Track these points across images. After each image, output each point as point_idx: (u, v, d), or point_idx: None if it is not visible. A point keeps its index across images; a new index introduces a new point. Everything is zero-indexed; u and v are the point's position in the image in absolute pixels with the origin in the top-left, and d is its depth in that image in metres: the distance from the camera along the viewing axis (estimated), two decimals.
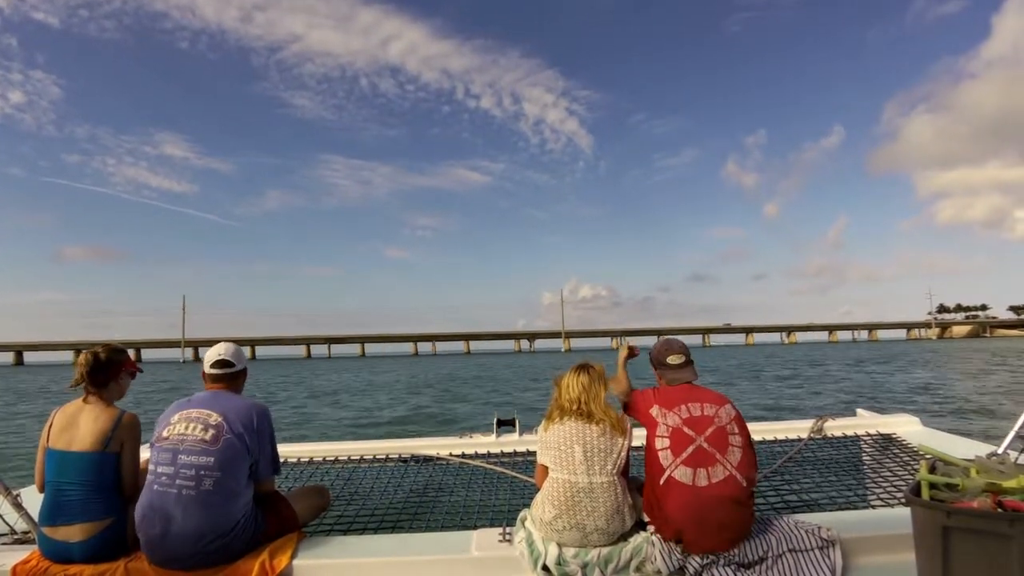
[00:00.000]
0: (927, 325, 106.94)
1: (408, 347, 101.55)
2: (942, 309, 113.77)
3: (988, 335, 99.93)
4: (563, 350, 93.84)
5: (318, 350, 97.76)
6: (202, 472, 1.69)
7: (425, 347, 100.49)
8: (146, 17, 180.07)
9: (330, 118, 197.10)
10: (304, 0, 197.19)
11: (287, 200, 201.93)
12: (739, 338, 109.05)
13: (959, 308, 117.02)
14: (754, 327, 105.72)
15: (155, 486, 1.71)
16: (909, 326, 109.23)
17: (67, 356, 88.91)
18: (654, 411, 1.81)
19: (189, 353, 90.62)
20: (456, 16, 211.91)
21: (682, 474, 1.68)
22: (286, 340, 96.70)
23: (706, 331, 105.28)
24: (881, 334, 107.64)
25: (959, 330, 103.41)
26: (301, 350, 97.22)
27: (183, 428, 1.76)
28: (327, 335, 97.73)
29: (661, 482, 1.70)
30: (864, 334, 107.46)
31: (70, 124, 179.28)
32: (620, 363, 2.14)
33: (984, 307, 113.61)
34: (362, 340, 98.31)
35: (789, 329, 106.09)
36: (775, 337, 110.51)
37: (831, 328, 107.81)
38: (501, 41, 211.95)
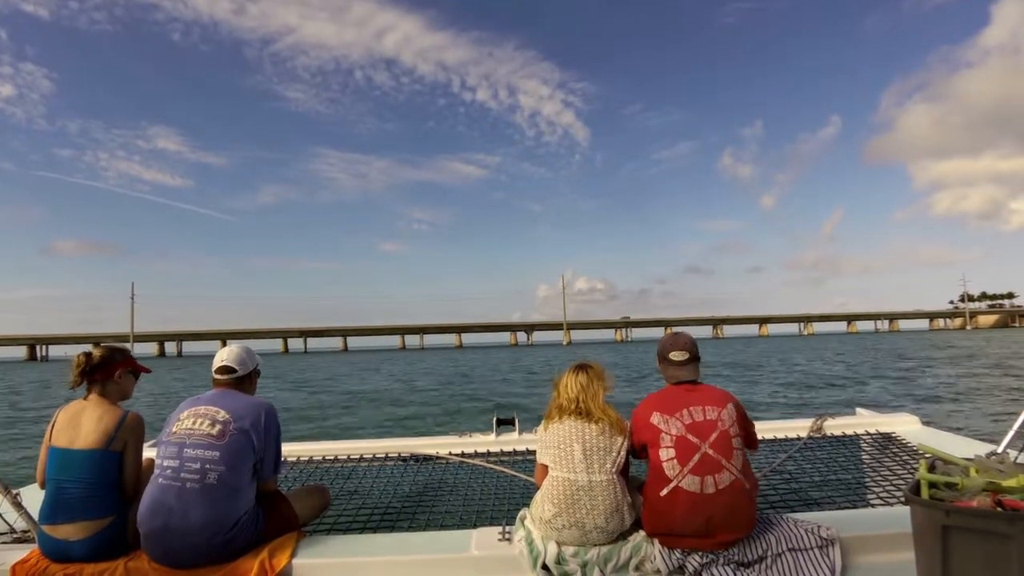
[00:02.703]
0: (957, 314, 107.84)
1: (395, 340, 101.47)
2: (966, 298, 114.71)
3: (1018, 324, 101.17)
4: (564, 343, 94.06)
5: (297, 344, 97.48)
6: (207, 466, 1.79)
7: (414, 340, 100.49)
8: (137, 8, 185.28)
9: (325, 111, 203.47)
10: None
11: (282, 194, 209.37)
12: (752, 329, 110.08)
13: (984, 296, 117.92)
14: (771, 317, 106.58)
15: (160, 479, 1.81)
16: (933, 315, 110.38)
17: (20, 352, 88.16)
18: (655, 419, 1.85)
19: (151, 348, 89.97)
20: (451, 8, 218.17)
21: (690, 483, 1.74)
22: (257, 333, 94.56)
23: (718, 321, 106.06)
24: (902, 324, 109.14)
25: (985, 320, 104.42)
26: (279, 344, 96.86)
27: (191, 423, 1.87)
28: (302, 327, 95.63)
29: (666, 492, 1.76)
30: (884, 324, 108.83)
31: (61, 118, 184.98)
32: None
33: (1011, 295, 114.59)
34: (343, 333, 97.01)
35: (807, 319, 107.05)
36: (790, 328, 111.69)
37: (850, 318, 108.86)
38: (496, 33, 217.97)
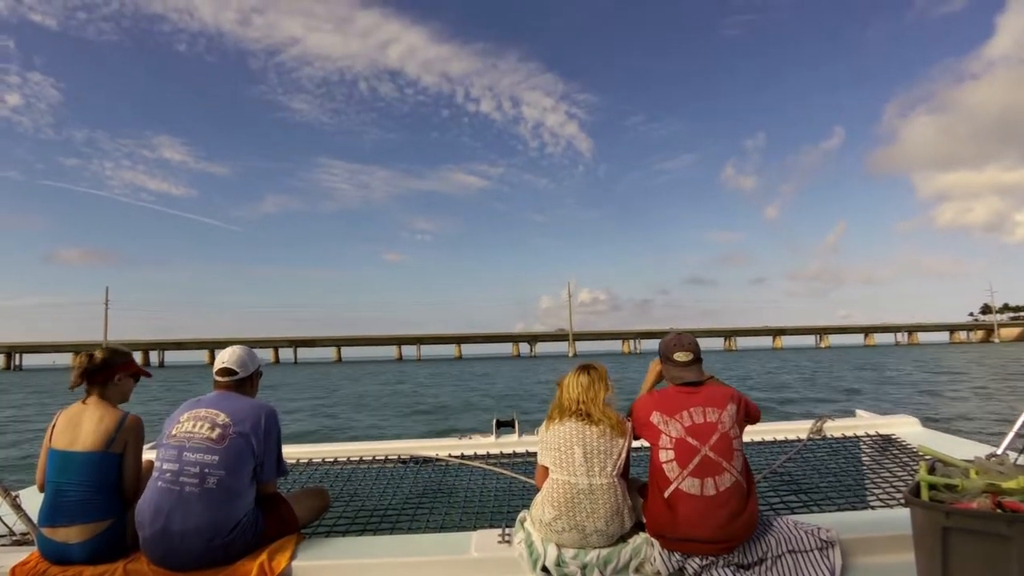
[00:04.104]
0: (978, 327, 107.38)
1: (392, 351, 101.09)
2: (992, 309, 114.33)
3: None
4: (569, 355, 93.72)
5: (288, 354, 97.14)
6: (206, 470, 1.85)
7: (411, 350, 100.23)
8: (144, 19, 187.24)
9: (328, 122, 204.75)
10: (302, 2, 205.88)
11: (285, 204, 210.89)
12: (765, 342, 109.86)
13: (1006, 308, 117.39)
14: (785, 329, 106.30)
15: (159, 482, 1.87)
16: (954, 328, 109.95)
17: None
18: (655, 418, 1.91)
19: (135, 357, 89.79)
20: (455, 19, 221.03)
21: (690, 485, 1.80)
22: (245, 343, 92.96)
23: (730, 333, 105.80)
24: (921, 337, 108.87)
25: (1007, 333, 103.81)
26: (269, 354, 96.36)
27: (190, 426, 1.93)
28: (291, 337, 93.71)
29: (667, 495, 1.82)
30: (904, 337, 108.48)
31: (68, 127, 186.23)
32: (649, 378, 2.23)
33: None
34: (335, 343, 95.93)
35: (823, 331, 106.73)
36: (804, 341, 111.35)
37: (867, 330, 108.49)
38: (500, 44, 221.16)
